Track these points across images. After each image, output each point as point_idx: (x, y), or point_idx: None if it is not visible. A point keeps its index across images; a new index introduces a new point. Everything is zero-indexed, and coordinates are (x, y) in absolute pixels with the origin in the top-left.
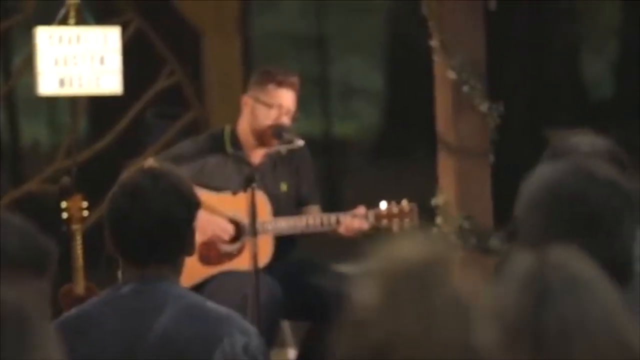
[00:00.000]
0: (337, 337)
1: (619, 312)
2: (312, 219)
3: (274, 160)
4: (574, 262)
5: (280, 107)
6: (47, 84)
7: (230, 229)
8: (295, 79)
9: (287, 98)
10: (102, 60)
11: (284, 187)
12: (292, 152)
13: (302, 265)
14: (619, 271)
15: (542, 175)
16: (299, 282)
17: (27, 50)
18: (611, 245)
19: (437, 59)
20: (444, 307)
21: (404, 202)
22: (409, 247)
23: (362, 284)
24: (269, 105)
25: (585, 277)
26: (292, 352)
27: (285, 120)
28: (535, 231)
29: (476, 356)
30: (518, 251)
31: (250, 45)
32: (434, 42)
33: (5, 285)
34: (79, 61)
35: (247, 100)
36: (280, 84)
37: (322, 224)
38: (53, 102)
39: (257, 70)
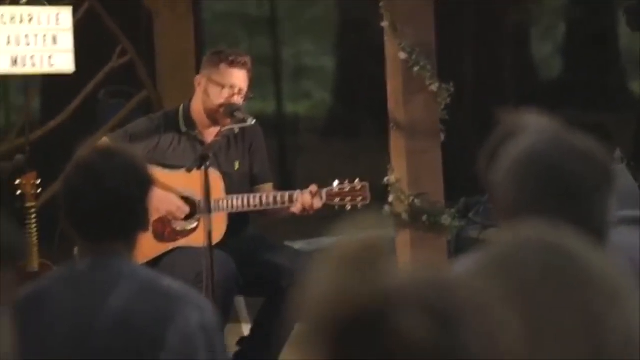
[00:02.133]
0: (298, 315)
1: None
2: (266, 196)
3: (227, 139)
4: (564, 234)
5: (232, 86)
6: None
7: (184, 207)
8: (247, 59)
9: (239, 77)
10: (54, 40)
11: (237, 165)
12: (245, 131)
13: (256, 242)
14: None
15: (521, 144)
16: (253, 258)
17: None
18: (585, 218)
19: (388, 40)
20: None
21: (356, 181)
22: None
23: (314, 270)
24: (221, 85)
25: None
26: (246, 327)
27: (238, 99)
28: (511, 200)
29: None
30: (506, 228)
31: (203, 26)
32: (385, 24)
33: None
34: (31, 40)
35: (199, 80)
36: (232, 63)
37: (275, 201)
38: (6, 81)
39: (210, 50)
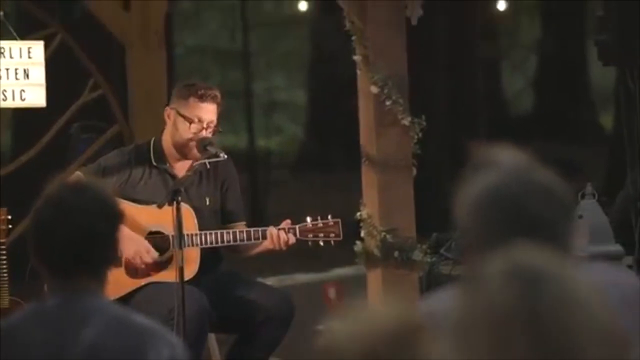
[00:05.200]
0: None
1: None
2: (239, 232)
3: (199, 174)
4: (543, 258)
5: (200, 120)
6: None
7: (153, 252)
8: (216, 92)
9: (208, 111)
10: (26, 74)
11: (208, 201)
12: (217, 166)
13: (229, 278)
14: None
15: (481, 181)
16: (226, 294)
17: None
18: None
19: (360, 74)
20: None
21: (329, 217)
22: (383, 315)
23: (341, 345)
24: (190, 119)
25: (558, 268)
26: None
27: (207, 133)
28: (472, 236)
29: None
30: (486, 257)
31: (175, 60)
32: (357, 57)
33: None
34: (2, 74)
35: (169, 113)
36: (202, 97)
37: (248, 237)
38: None
39: (179, 83)
